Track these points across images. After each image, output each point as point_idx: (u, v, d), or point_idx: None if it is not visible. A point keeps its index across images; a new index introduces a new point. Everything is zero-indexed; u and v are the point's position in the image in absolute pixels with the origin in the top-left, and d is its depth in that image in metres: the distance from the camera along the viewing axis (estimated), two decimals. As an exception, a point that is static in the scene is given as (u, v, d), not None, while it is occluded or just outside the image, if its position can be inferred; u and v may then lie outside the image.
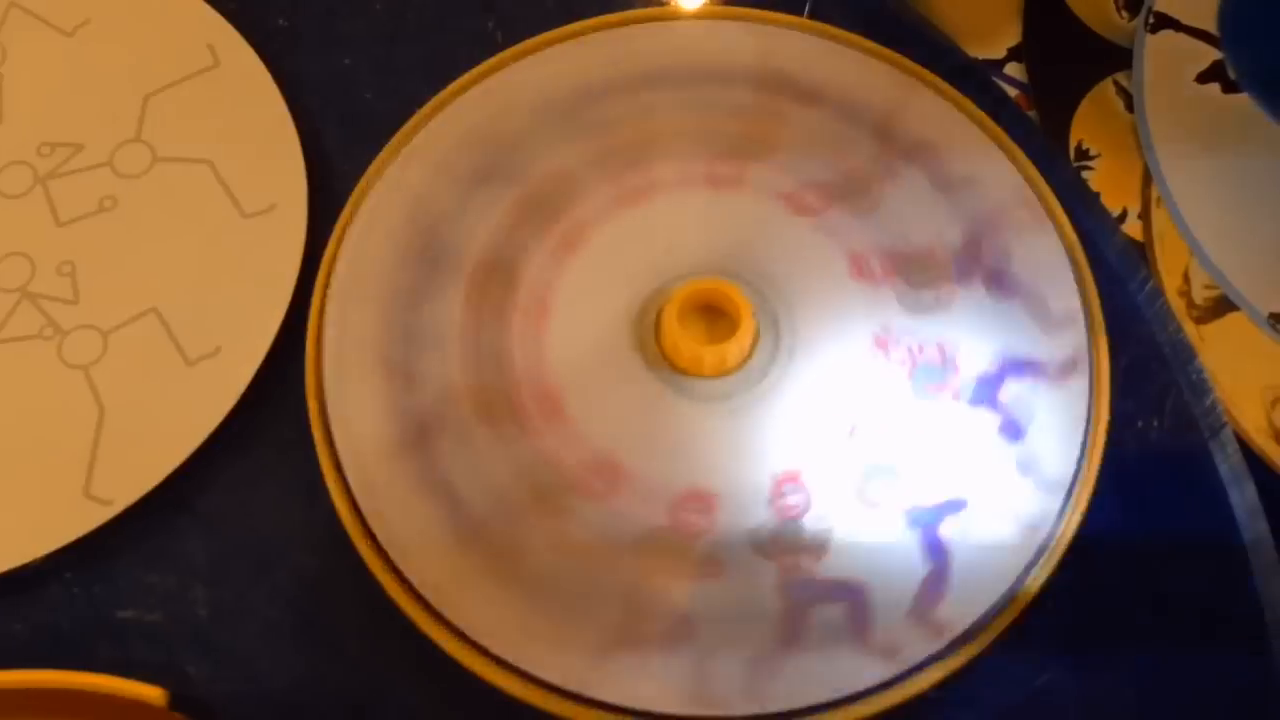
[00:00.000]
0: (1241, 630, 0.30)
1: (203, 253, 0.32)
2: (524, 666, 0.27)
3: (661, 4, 0.36)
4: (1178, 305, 0.34)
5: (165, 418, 0.30)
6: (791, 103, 0.33)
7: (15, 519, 0.29)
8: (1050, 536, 0.28)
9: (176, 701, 0.28)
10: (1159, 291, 0.33)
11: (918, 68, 0.34)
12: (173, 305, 0.32)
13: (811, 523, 0.29)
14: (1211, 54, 0.37)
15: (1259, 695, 0.29)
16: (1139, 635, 0.30)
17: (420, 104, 0.33)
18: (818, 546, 0.29)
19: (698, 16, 0.35)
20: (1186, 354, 0.32)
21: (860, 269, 0.32)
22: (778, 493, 0.29)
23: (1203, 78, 0.37)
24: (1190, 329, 0.34)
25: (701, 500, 0.29)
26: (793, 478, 0.29)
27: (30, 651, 0.29)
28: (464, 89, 0.33)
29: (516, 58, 0.34)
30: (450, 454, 0.29)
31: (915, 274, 0.31)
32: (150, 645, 0.29)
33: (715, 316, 0.31)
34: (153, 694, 0.28)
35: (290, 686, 0.29)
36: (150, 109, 0.34)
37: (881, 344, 0.31)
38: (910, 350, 0.31)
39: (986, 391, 0.30)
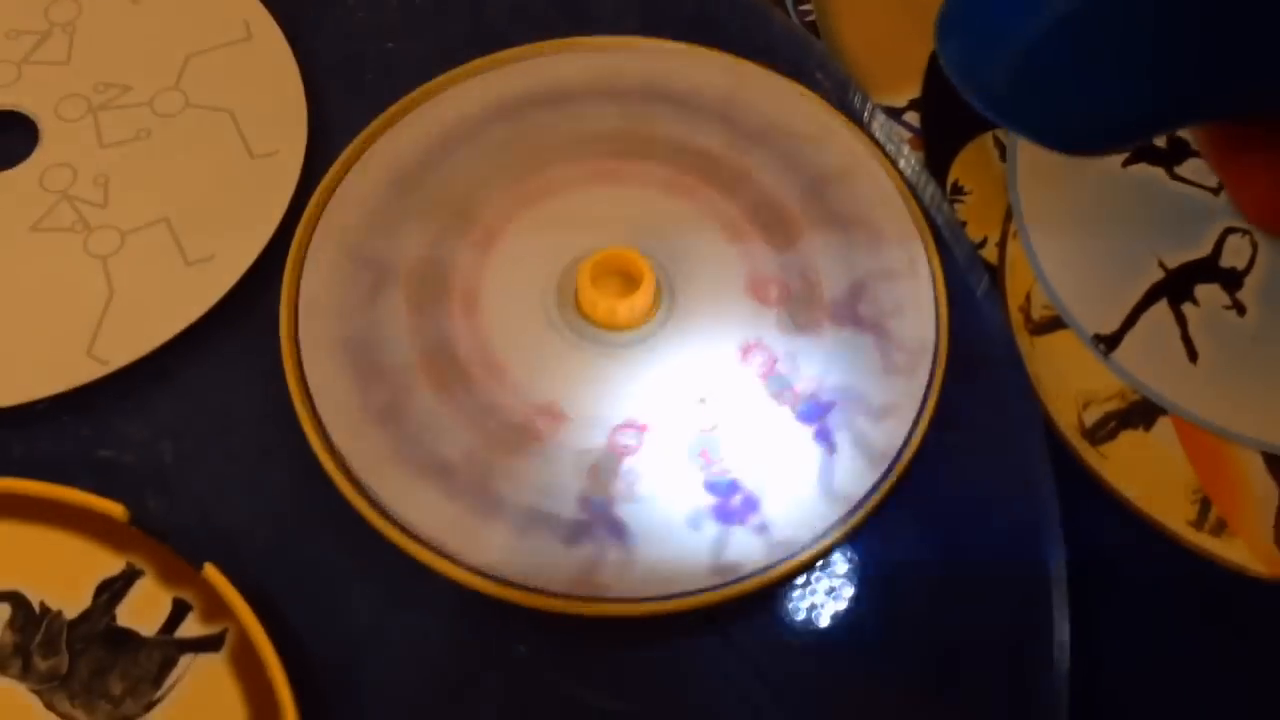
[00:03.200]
0: (1027, 594, 0.35)
1: (213, 180, 0.39)
2: (440, 546, 0.33)
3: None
4: (1017, 319, 0.40)
5: (162, 304, 0.37)
6: (671, 111, 0.41)
7: (30, 365, 0.36)
8: (858, 506, 0.34)
9: (135, 520, 0.34)
10: (1000, 303, 0.39)
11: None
12: (182, 218, 0.39)
13: (725, 431, 0.35)
14: (1080, 123, 0.44)
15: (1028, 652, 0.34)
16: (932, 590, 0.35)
17: (405, 90, 0.40)
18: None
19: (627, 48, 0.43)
20: (1016, 358, 0.38)
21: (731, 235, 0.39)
22: (695, 413, 0.35)
23: (1069, 141, 0.44)
24: (1024, 340, 0.39)
25: (634, 427, 0.35)
26: (703, 400, 0.36)
27: (22, 470, 0.34)
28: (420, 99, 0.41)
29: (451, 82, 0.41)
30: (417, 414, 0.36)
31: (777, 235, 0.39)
32: (121, 480, 0.35)
33: (622, 279, 0.37)
34: (115, 509, 0.34)
35: (228, 528, 0.35)
36: (190, 65, 0.41)
37: (755, 290, 0.37)
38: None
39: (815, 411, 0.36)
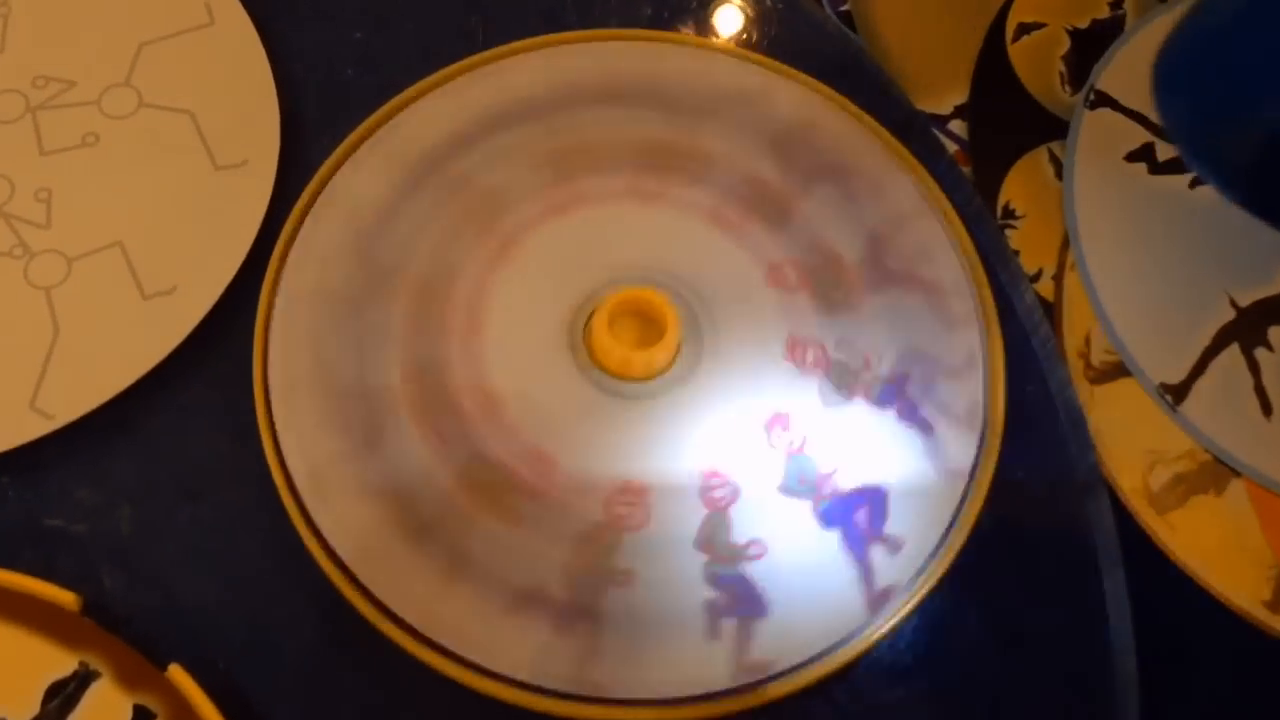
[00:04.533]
0: (1095, 682, 0.32)
1: (172, 197, 0.34)
2: (426, 631, 0.29)
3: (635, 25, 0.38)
4: (1076, 365, 0.36)
5: (115, 345, 0.32)
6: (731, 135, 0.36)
7: (-38, 421, 0.31)
8: (909, 590, 0.31)
9: (89, 609, 0.30)
10: (1059, 349, 0.35)
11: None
12: (137, 242, 0.34)
13: (738, 514, 0.31)
14: (1143, 135, 0.40)
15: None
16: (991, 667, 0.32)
17: (395, 90, 0.35)
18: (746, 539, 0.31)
19: (670, 41, 0.37)
20: (1076, 412, 0.35)
21: (777, 278, 0.34)
22: (706, 486, 0.31)
23: (1132, 157, 0.40)
24: (1084, 388, 0.36)
25: (634, 494, 0.31)
26: (715, 473, 0.31)
27: None
28: (428, 89, 0.36)
29: (471, 67, 0.36)
30: (391, 446, 0.31)
31: (828, 286, 0.34)
32: (72, 554, 0.31)
33: (644, 323, 0.33)
34: (66, 598, 0.30)
35: (197, 609, 0.31)
36: (143, 57, 0.36)
37: (796, 346, 0.33)
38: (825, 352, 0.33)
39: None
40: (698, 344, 0.33)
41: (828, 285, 0.34)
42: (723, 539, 0.31)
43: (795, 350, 0.33)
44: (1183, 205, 0.37)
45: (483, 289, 0.33)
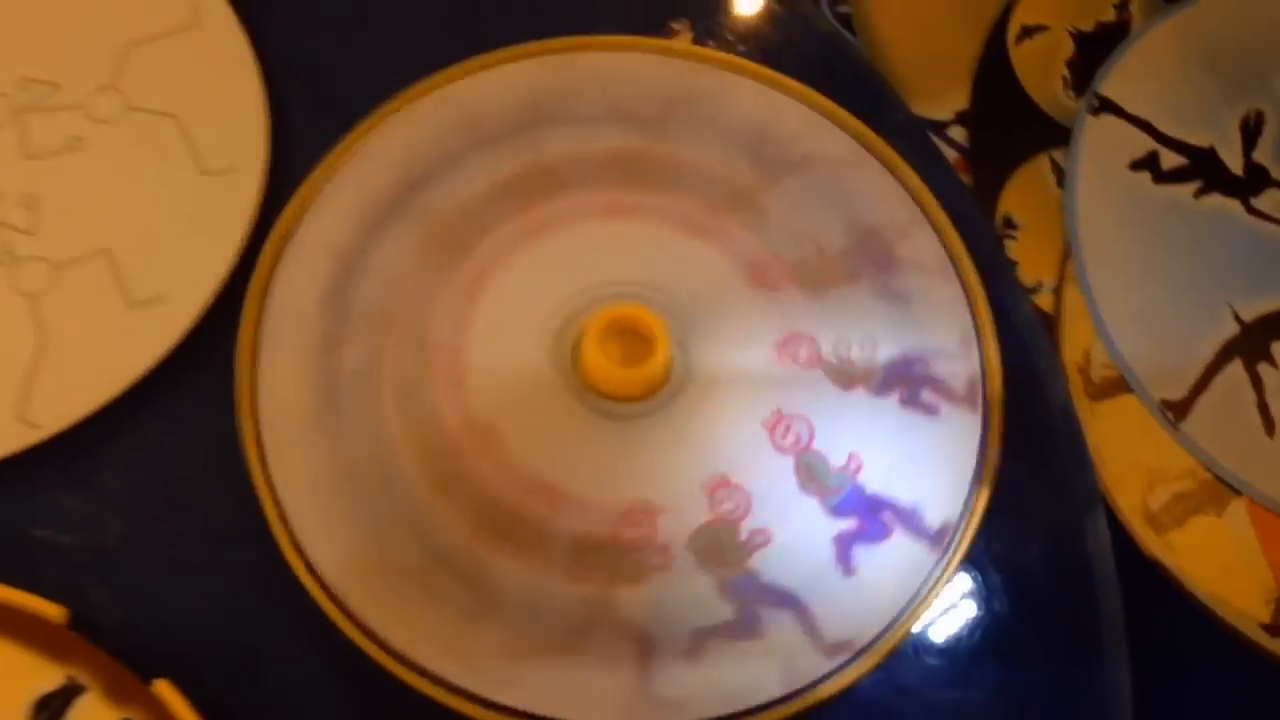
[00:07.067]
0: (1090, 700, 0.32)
1: (159, 203, 0.34)
2: (423, 663, 0.29)
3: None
4: (1075, 380, 0.36)
5: (102, 354, 0.32)
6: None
7: (-54, 431, 0.31)
8: (923, 589, 0.30)
9: (76, 621, 0.29)
10: (1058, 364, 0.35)
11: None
12: (123, 249, 0.33)
13: (749, 524, 0.31)
14: (1148, 143, 0.39)
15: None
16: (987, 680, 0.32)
17: (384, 93, 0.35)
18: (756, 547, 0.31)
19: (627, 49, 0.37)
20: (1075, 428, 0.34)
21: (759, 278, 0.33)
22: (714, 499, 0.31)
23: (1136, 165, 0.39)
24: (1083, 404, 0.35)
25: (643, 512, 0.31)
26: (724, 483, 0.31)
27: None
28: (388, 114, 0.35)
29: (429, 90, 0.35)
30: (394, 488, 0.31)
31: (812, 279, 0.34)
32: (58, 565, 0.31)
33: (632, 340, 0.32)
34: (54, 611, 0.29)
35: (182, 623, 0.30)
36: (130, 59, 0.36)
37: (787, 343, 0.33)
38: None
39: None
40: (687, 354, 0.32)
41: (811, 278, 0.33)
42: (733, 546, 0.30)
43: (787, 348, 0.32)
44: (1187, 215, 0.37)
45: (462, 323, 0.33)
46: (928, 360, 0.33)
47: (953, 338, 0.33)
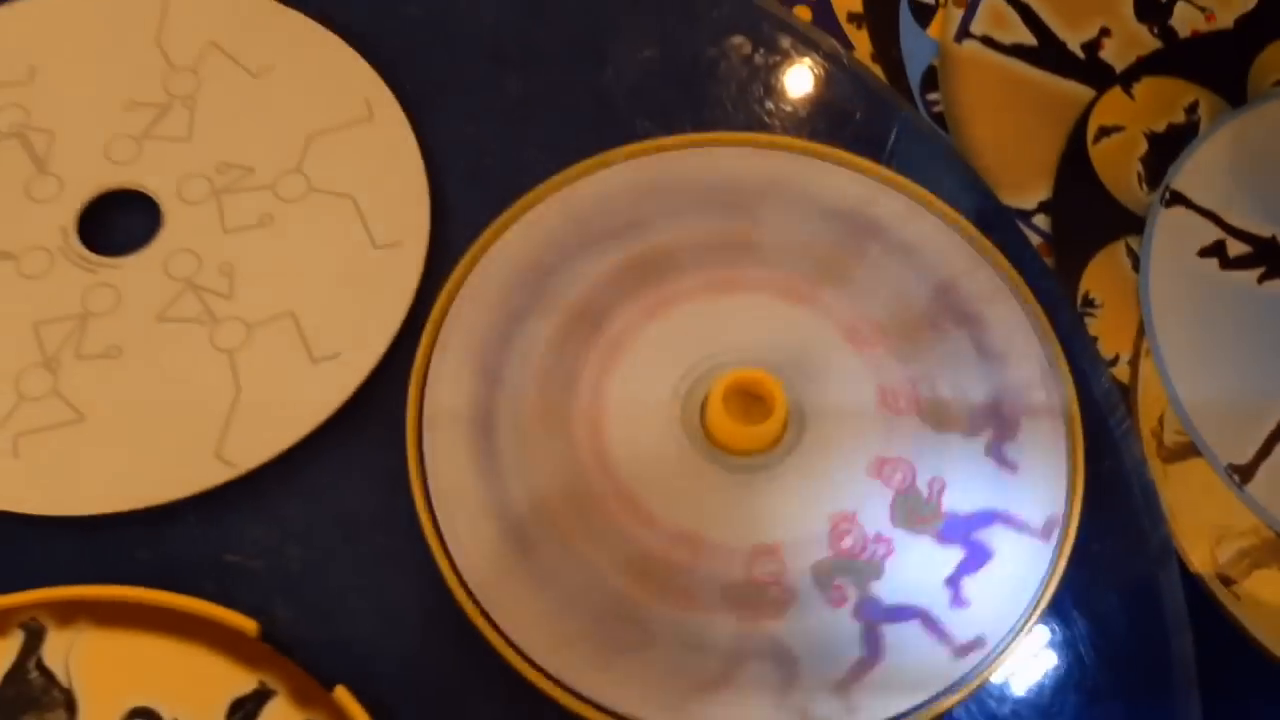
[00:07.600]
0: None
1: (337, 272, 0.39)
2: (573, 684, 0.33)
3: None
4: (1149, 444, 0.39)
5: (288, 403, 0.37)
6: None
7: (158, 467, 0.36)
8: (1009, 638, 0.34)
9: (265, 634, 0.34)
10: (1134, 429, 0.39)
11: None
12: (307, 311, 0.38)
13: (868, 556, 0.35)
14: (1215, 232, 0.43)
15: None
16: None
17: (532, 180, 0.40)
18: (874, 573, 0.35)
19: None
20: (1150, 488, 0.38)
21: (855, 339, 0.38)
22: (836, 534, 0.35)
23: (1204, 252, 0.43)
24: (1157, 466, 0.39)
25: (770, 553, 0.35)
26: (842, 519, 0.35)
27: (150, 576, 0.34)
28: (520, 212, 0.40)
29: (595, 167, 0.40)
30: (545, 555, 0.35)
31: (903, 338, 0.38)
32: (248, 586, 0.35)
33: (749, 399, 0.36)
34: (248, 625, 0.34)
35: (355, 640, 0.35)
36: (312, 147, 0.41)
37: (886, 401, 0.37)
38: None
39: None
40: (800, 409, 0.37)
41: (903, 337, 0.38)
42: (855, 572, 0.35)
43: (885, 397, 0.37)
44: (1251, 298, 0.40)
45: (599, 395, 0.37)
46: (1017, 405, 0.37)
47: (1037, 396, 0.37)
